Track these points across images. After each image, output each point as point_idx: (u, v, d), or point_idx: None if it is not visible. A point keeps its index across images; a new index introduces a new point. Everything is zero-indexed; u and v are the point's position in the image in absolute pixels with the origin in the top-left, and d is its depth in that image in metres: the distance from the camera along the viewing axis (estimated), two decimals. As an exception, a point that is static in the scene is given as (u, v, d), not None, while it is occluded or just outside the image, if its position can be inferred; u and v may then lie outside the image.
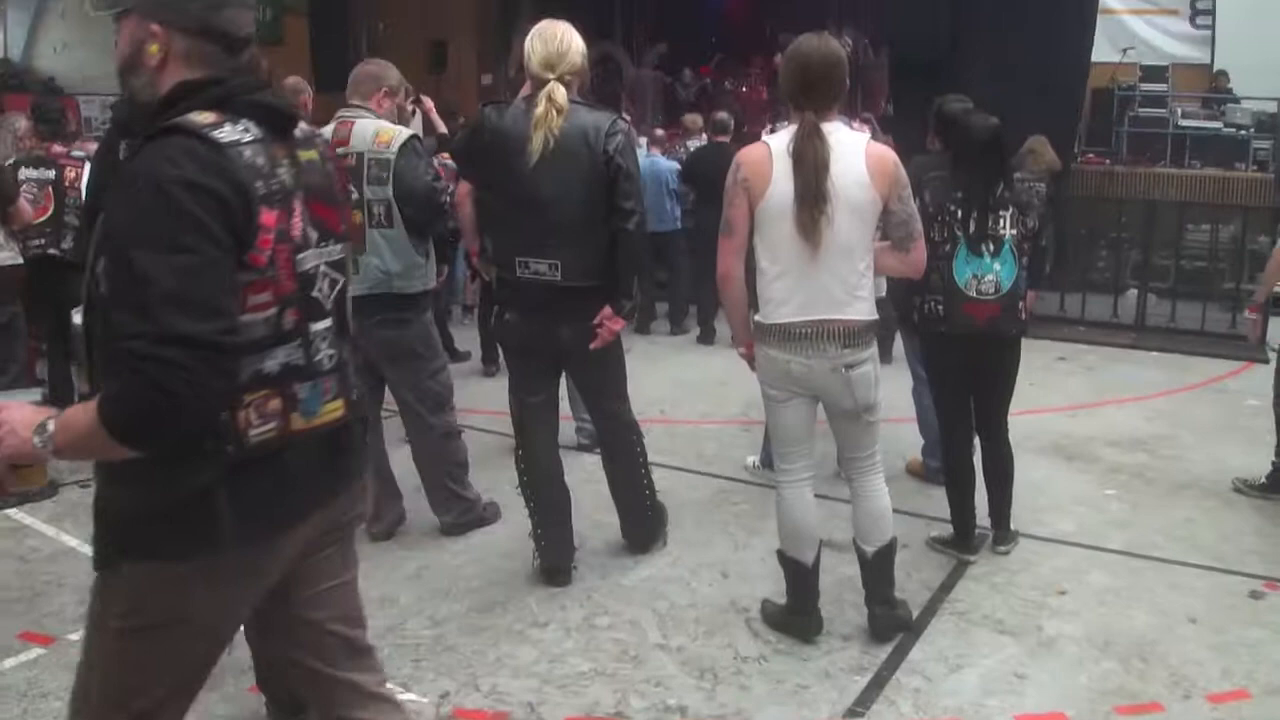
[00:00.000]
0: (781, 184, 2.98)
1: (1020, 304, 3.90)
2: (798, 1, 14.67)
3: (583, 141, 3.40)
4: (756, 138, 9.48)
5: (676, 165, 8.79)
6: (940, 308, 3.84)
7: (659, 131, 9.35)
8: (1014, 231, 3.83)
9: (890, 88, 11.18)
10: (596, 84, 14.23)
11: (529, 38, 3.47)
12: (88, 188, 4.53)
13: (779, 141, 3.03)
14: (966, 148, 3.89)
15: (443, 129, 5.54)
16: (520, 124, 3.43)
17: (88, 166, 5.84)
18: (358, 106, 4.03)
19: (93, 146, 7.02)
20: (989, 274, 3.81)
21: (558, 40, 3.45)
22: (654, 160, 8.63)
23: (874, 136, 7.43)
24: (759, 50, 16.36)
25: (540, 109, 3.38)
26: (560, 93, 3.40)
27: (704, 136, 9.04)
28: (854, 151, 3.00)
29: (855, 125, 7.71)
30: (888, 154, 3.05)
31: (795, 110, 3.04)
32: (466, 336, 7.73)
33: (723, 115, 8.58)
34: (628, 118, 3.83)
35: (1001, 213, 3.82)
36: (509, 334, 3.67)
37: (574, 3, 16.50)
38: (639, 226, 3.45)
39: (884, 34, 11.22)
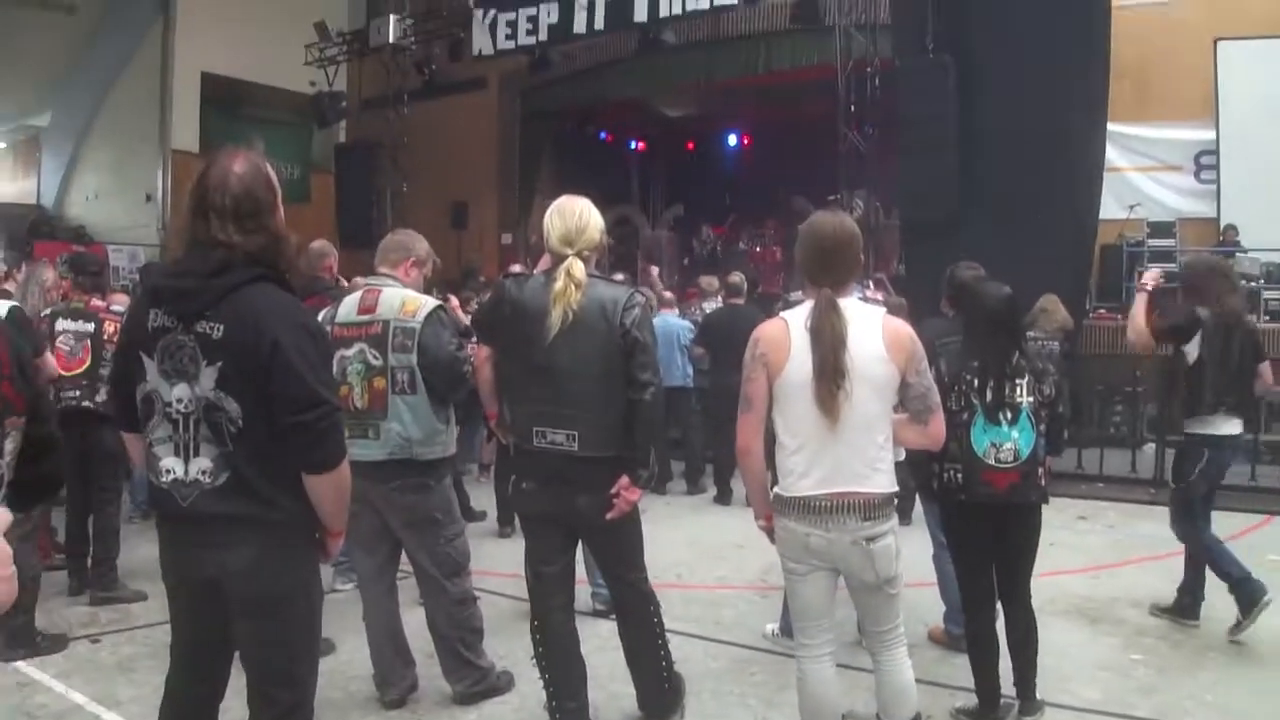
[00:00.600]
0: (800, 359, 3.03)
1: (1040, 470, 3.91)
2: (809, 166, 15.13)
3: (600, 315, 3.47)
4: (771, 298, 9.68)
5: (688, 324, 8.96)
6: (959, 476, 3.85)
7: (667, 294, 9.54)
8: (1031, 399, 3.86)
9: (902, 248, 11.45)
10: (613, 243, 14.61)
11: (549, 213, 3.60)
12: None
13: (796, 316, 3.10)
14: (980, 317, 3.96)
15: (465, 324, 5.74)
16: (540, 297, 3.51)
17: (128, 322, 5.95)
18: (385, 275, 4.15)
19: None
20: (1007, 442, 3.83)
21: (576, 217, 3.56)
22: (665, 318, 8.80)
23: (886, 296, 7.63)
24: (772, 212, 16.87)
25: (559, 284, 3.46)
26: (578, 268, 3.49)
27: (720, 298, 9.23)
28: (871, 326, 3.06)
29: (869, 289, 7.91)
30: (904, 328, 3.11)
31: (812, 285, 3.12)
32: (483, 495, 7.72)
33: (737, 277, 8.78)
34: (645, 292, 3.90)
35: (1018, 380, 3.86)
36: (525, 503, 3.67)
37: (592, 167, 17.42)
38: (655, 397, 3.49)
39: (894, 197, 11.56)
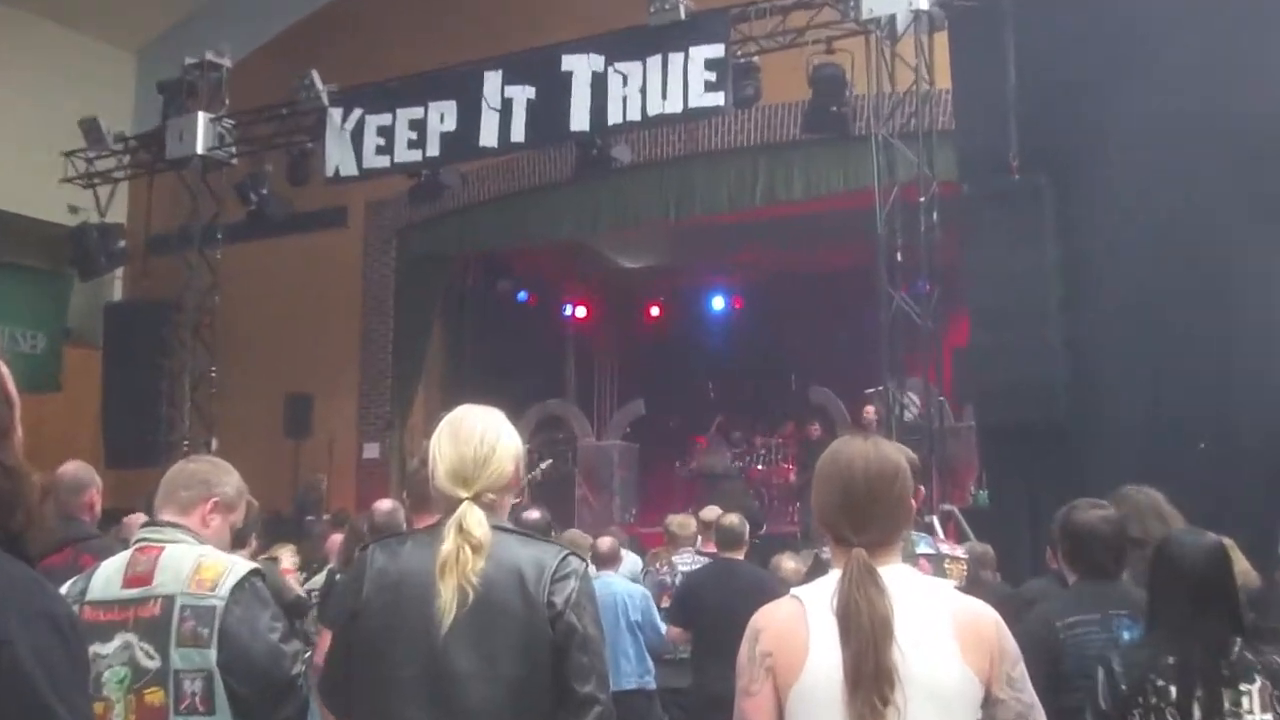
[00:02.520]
0: (823, 658, 2.99)
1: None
2: (835, 342, 15.38)
3: (517, 590, 3.43)
4: (782, 545, 9.60)
5: (642, 590, 8.94)
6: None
7: (604, 541, 9.46)
8: (1268, 717, 3.83)
9: (982, 466, 11.59)
10: (542, 471, 14.64)
11: (435, 436, 3.59)
12: None
13: (816, 594, 3.08)
14: (1175, 586, 4.00)
15: (298, 593, 5.70)
16: (422, 568, 3.46)
17: None
18: (170, 524, 4.09)
19: None
20: (1235, 787, 3.80)
21: (476, 440, 3.54)
22: (607, 582, 8.71)
23: (965, 545, 7.64)
24: (781, 411, 16.98)
25: (448, 545, 3.41)
26: (477, 521, 3.45)
27: (697, 547, 9.28)
28: (931, 607, 3.05)
29: (935, 535, 7.88)
30: (985, 615, 3.09)
31: (837, 545, 3.12)
32: None
33: (733, 519, 8.76)
34: (582, 557, 3.85)
35: (1243, 687, 3.84)
36: None
37: (506, 344, 17.76)
38: (603, 720, 3.45)
39: (966, 389, 11.69)
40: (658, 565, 10.04)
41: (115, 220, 15.76)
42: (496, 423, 3.64)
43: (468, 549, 3.42)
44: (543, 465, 15.39)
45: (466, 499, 3.50)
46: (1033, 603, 5.13)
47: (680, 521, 10.02)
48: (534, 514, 8.66)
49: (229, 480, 4.28)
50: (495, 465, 3.56)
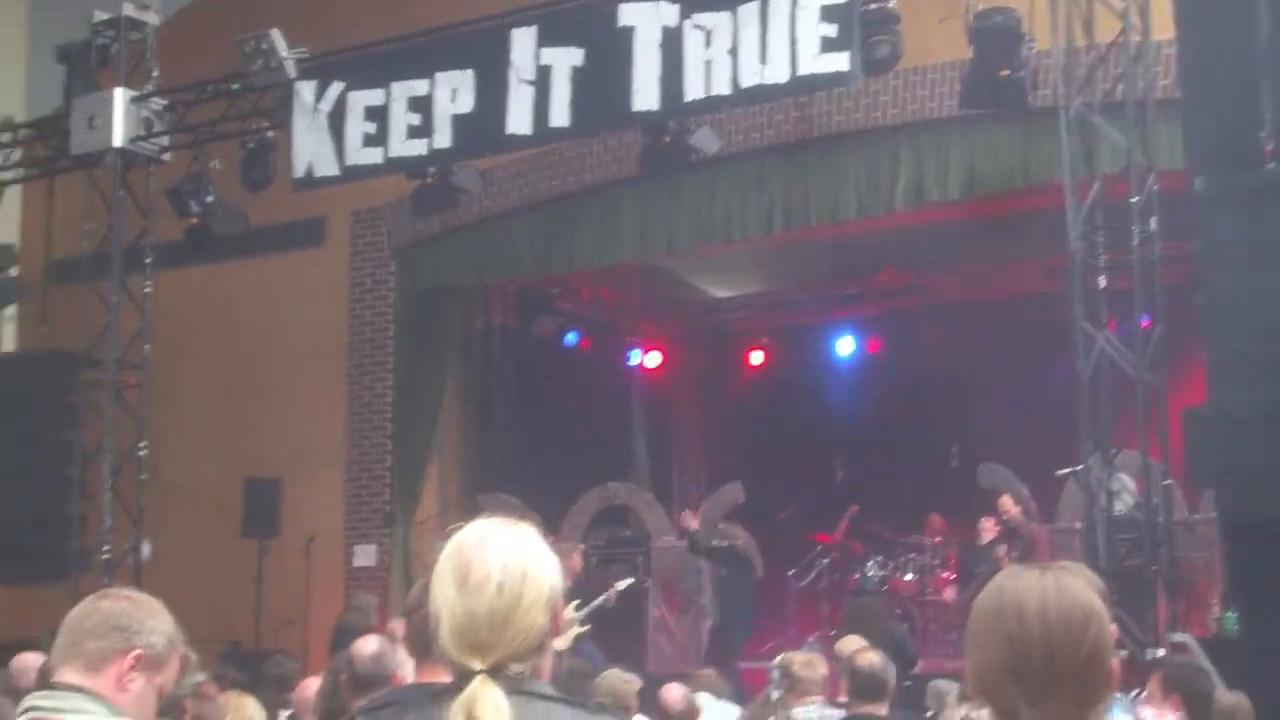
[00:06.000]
0: None
1: None
2: (1015, 405, 15.23)
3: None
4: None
5: None
6: None
7: (671, 694, 9.38)
8: None
9: (1228, 574, 11.38)
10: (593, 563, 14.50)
11: (438, 570, 3.46)
12: None
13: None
14: None
15: None
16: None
17: None
18: (73, 688, 4.11)
19: None
20: None
21: (492, 588, 3.39)
22: None
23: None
24: (935, 497, 16.81)
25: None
26: (494, 708, 3.30)
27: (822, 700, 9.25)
28: None
29: (1142, 703, 7.78)
30: None
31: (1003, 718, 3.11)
32: None
33: (872, 660, 8.75)
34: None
35: None
36: None
37: (551, 406, 17.78)
38: None
39: (1204, 467, 11.44)
40: (772, 720, 9.92)
41: (2, 240, 15.91)
42: (521, 554, 3.47)
43: None
44: (619, 586, 15.31)
45: (481, 669, 3.36)
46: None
47: (805, 659, 9.83)
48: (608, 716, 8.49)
49: (156, 626, 4.27)
50: (520, 624, 3.41)
